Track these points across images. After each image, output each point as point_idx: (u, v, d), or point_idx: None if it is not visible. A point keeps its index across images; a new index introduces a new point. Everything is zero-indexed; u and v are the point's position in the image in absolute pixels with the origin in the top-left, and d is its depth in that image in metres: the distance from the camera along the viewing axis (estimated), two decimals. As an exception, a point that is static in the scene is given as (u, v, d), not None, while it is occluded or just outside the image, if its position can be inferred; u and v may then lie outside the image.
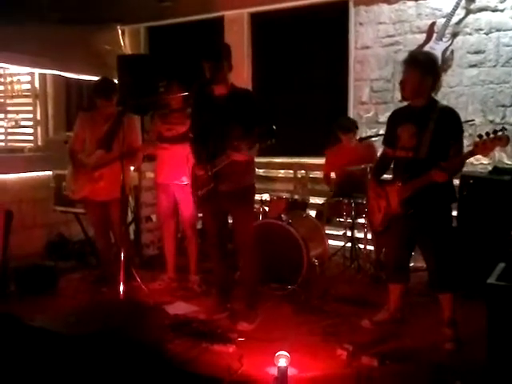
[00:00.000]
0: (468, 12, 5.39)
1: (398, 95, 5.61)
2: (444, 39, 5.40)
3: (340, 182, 5.44)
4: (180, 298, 4.65)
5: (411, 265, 4.13)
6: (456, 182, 4.15)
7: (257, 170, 4.29)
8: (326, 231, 5.35)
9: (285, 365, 2.99)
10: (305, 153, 6.36)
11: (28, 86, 7.73)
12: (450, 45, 5.41)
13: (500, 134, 3.20)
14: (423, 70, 3.56)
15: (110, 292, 4.63)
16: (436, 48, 5.36)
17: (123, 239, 4.55)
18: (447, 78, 5.50)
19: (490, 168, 5.04)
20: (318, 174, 6.16)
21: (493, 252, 3.98)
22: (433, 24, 5.47)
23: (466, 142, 3.59)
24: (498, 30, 5.27)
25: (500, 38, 5.26)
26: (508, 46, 5.23)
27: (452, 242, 3.70)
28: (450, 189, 3.64)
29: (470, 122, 4.98)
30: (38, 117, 7.73)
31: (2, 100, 7.94)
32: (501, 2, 5.23)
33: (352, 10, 6.02)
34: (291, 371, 3.07)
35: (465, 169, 3.92)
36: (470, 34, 5.41)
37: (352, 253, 5.30)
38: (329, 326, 3.94)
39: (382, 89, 5.92)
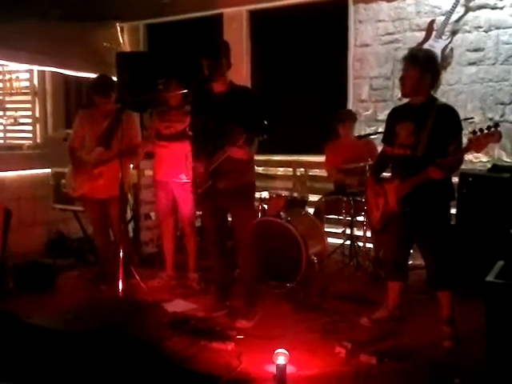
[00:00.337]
0: (467, 10, 5.38)
1: (397, 93, 5.61)
2: (443, 37, 5.39)
3: (338, 180, 5.44)
4: (179, 295, 4.65)
5: (410, 263, 4.12)
6: (455, 179, 4.15)
7: (256, 167, 4.28)
8: (325, 229, 5.35)
9: (283, 362, 2.99)
10: (304, 150, 6.35)
11: (27, 84, 7.72)
12: (450, 43, 5.41)
13: (493, 129, 3.22)
14: (423, 67, 3.56)
15: (108, 290, 4.63)
16: (435, 46, 5.35)
17: (122, 237, 4.55)
18: (446, 76, 5.49)
19: (489, 166, 5.04)
20: (317, 172, 6.17)
21: (492, 250, 3.98)
22: (432, 22, 5.46)
23: (465, 140, 3.58)
24: (497, 28, 5.26)
25: (499, 36, 5.25)
26: (507, 43, 5.22)
27: (450, 239, 3.70)
28: (448, 187, 3.64)
29: (470, 120, 4.98)
30: (37, 114, 7.72)
31: (1, 97, 7.93)
32: (500, 0, 5.22)
33: (351, 8, 6.01)
34: (290, 369, 3.08)
35: (464, 166, 3.93)
36: (469, 31, 5.40)
37: (351, 251, 5.30)
38: (327, 324, 3.95)
39: (381, 87, 5.92)
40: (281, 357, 3.01)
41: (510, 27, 5.20)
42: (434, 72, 3.67)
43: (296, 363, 3.20)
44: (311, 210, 5.48)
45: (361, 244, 5.28)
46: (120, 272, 4.21)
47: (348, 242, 5.35)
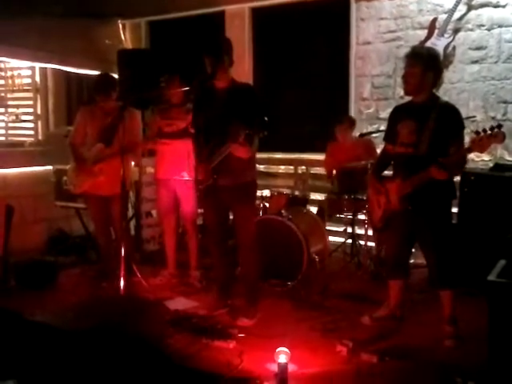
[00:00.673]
0: (470, 8, 5.36)
1: (399, 91, 5.60)
2: (446, 35, 5.38)
3: (340, 179, 5.43)
4: (180, 293, 4.65)
5: (411, 261, 4.13)
6: (457, 178, 4.14)
7: (257, 165, 4.28)
8: (327, 227, 5.35)
9: (285, 361, 2.99)
10: (305, 148, 6.35)
11: (29, 80, 7.71)
12: (452, 41, 5.39)
13: (496, 130, 3.21)
14: (426, 65, 3.55)
15: (110, 287, 4.64)
16: (438, 44, 5.34)
17: (124, 235, 4.55)
18: (449, 74, 5.48)
19: (491, 164, 5.03)
20: (319, 170, 6.16)
21: (494, 249, 3.96)
22: (434, 20, 5.45)
23: (467, 139, 3.58)
24: (499, 26, 5.25)
25: (502, 34, 5.24)
26: (510, 42, 5.21)
27: (452, 238, 3.70)
28: (450, 185, 3.63)
29: (472, 119, 4.98)
30: (39, 111, 7.72)
31: (3, 94, 7.93)
32: (503, -2, 5.22)
33: (353, 6, 6.00)
34: (291, 367, 3.08)
35: (466, 165, 3.91)
36: (471, 29, 5.39)
37: (352, 249, 5.31)
38: (329, 323, 3.95)
39: (383, 85, 5.91)
40: (282, 355, 3.01)
41: (512, 25, 5.20)
42: (437, 70, 3.66)
43: (297, 362, 3.20)
44: (314, 209, 5.48)
45: (362, 242, 5.28)
46: (121, 270, 4.22)
47: (349, 241, 5.35)
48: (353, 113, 5.93)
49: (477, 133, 3.26)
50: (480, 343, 2.88)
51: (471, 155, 5.01)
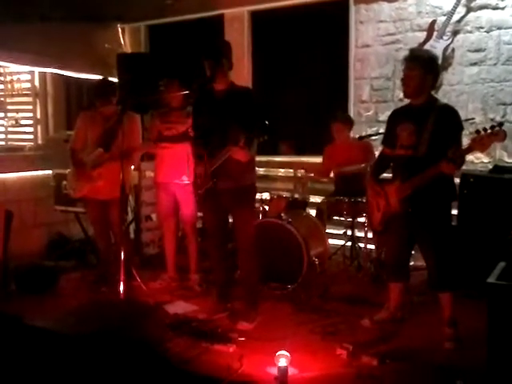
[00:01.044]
0: (468, 10, 5.37)
1: (398, 94, 5.61)
2: (444, 37, 5.38)
3: (335, 181, 5.44)
4: (180, 297, 4.65)
5: (411, 264, 4.12)
6: (456, 180, 4.14)
7: (257, 168, 4.28)
8: (327, 230, 5.35)
9: (285, 364, 2.99)
10: (305, 151, 6.35)
11: (28, 85, 7.71)
12: (451, 43, 5.40)
13: (497, 129, 3.20)
14: (425, 68, 3.57)
15: (109, 291, 4.63)
16: (437, 46, 5.35)
17: (123, 238, 4.55)
18: (448, 77, 5.49)
19: (490, 166, 5.03)
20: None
21: (493, 251, 3.97)
22: (433, 22, 5.45)
23: (466, 141, 3.57)
24: (498, 28, 5.25)
25: (501, 36, 5.24)
26: (509, 44, 5.21)
27: (451, 240, 3.70)
28: (449, 187, 3.64)
29: (471, 121, 4.97)
30: (38, 115, 7.71)
31: (2, 99, 7.92)
32: (501, 0, 5.21)
33: (352, 8, 6.00)
34: (291, 371, 3.08)
35: (465, 167, 3.92)
36: (470, 32, 5.39)
37: (352, 252, 5.30)
38: (329, 326, 3.94)
39: (382, 87, 5.91)
40: (282, 359, 3.01)
41: (511, 27, 5.19)
42: (436, 73, 3.68)
43: (297, 365, 3.20)
44: (313, 212, 5.48)
45: (362, 245, 5.27)
46: (121, 274, 4.21)
47: (349, 243, 5.34)
48: (352, 115, 5.92)
49: (477, 132, 3.26)
50: (480, 345, 2.88)
51: (471, 157, 5.03)
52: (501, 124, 3.22)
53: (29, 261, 5.16)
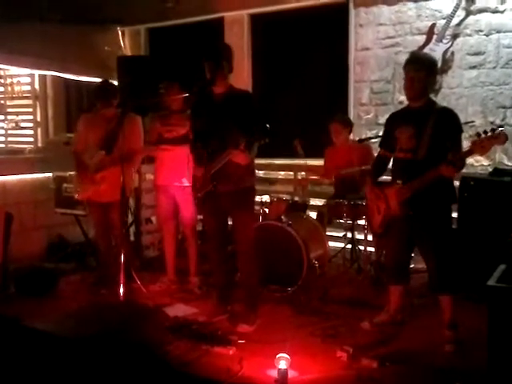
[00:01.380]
0: (468, 13, 5.38)
1: (398, 96, 5.63)
2: (444, 41, 5.40)
3: (338, 184, 5.44)
4: (180, 299, 4.65)
5: (412, 266, 4.12)
6: (456, 183, 4.14)
7: (257, 171, 4.28)
8: (327, 233, 5.35)
9: (285, 367, 2.99)
10: (305, 154, 6.33)
11: (28, 88, 7.74)
12: (450, 46, 5.41)
13: (497, 132, 3.20)
14: (428, 70, 3.58)
15: (109, 294, 4.62)
16: (436, 49, 5.36)
17: (123, 241, 4.55)
18: (447, 80, 5.50)
19: (490, 169, 5.03)
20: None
21: (493, 254, 3.97)
22: (433, 25, 5.47)
23: (466, 144, 3.58)
24: (498, 32, 5.26)
25: (500, 40, 5.26)
26: (508, 47, 5.22)
27: (452, 243, 3.69)
28: (449, 190, 3.64)
29: (470, 124, 4.97)
30: (38, 118, 7.74)
31: (2, 101, 7.96)
32: (501, 4, 5.23)
33: (352, 12, 6.02)
34: (291, 373, 3.07)
35: (465, 170, 3.92)
36: (469, 35, 5.41)
37: (352, 254, 5.30)
38: (329, 328, 3.94)
39: (381, 90, 5.92)
40: (282, 361, 3.01)
41: (510, 31, 5.21)
42: (435, 76, 3.70)
43: (297, 368, 3.20)
44: (313, 214, 5.48)
45: (362, 248, 5.27)
46: (121, 276, 4.20)
47: (349, 246, 5.34)
48: (352, 118, 5.92)
49: (478, 135, 3.26)
50: (480, 348, 2.88)
51: (471, 159, 5.03)
52: (501, 126, 3.23)
53: (29, 263, 5.16)
